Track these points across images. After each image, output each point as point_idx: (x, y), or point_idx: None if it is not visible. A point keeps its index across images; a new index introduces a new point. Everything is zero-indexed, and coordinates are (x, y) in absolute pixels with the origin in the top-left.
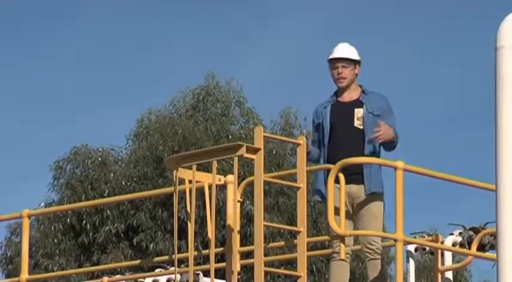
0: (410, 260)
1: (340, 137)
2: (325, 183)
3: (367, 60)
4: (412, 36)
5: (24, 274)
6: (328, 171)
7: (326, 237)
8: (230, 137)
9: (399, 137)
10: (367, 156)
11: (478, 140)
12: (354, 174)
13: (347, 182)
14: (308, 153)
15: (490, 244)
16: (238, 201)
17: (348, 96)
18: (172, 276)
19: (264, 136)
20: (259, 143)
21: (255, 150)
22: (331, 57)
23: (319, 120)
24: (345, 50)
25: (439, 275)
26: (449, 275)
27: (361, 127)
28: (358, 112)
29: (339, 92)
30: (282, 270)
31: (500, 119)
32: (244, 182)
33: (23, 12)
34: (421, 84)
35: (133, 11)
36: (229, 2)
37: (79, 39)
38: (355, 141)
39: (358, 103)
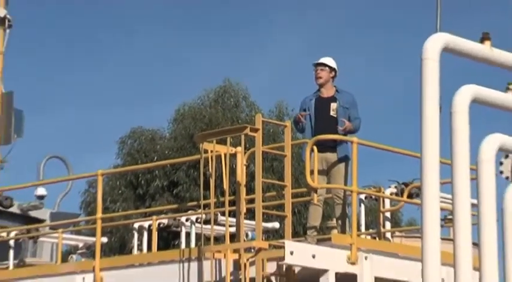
0: (362, 204)
1: (321, 122)
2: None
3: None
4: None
5: (99, 214)
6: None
7: (305, 189)
8: (239, 121)
9: (361, 121)
10: (339, 135)
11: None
12: (330, 147)
13: (324, 151)
14: (301, 123)
15: (416, 193)
16: (245, 164)
17: (326, 93)
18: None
19: (262, 121)
20: (258, 125)
21: (256, 130)
22: (314, 62)
23: (306, 106)
24: (323, 59)
25: (381, 215)
26: (387, 214)
27: (335, 116)
28: (333, 105)
29: (320, 90)
30: (274, 212)
31: (424, 109)
32: (249, 151)
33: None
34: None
35: (173, 32)
36: (239, 24)
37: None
38: (331, 126)
39: (333, 99)
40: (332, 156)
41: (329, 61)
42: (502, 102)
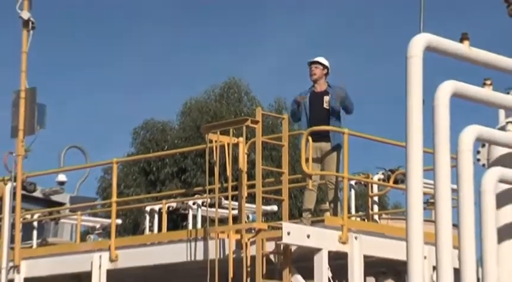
0: (352, 189)
1: (315, 114)
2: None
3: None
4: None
5: (114, 198)
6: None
7: (300, 176)
8: (242, 114)
9: (354, 108)
10: (332, 125)
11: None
12: (324, 137)
13: (319, 140)
14: (299, 108)
15: (401, 179)
16: (246, 153)
17: (320, 88)
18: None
19: (262, 114)
20: (258, 117)
21: (256, 122)
22: (308, 61)
23: (300, 99)
24: (317, 58)
25: (369, 199)
26: (375, 198)
27: (328, 108)
28: (326, 98)
29: (314, 85)
30: (272, 196)
31: (409, 103)
32: (250, 141)
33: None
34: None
35: (182, 32)
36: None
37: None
38: (324, 117)
39: (325, 93)
40: (326, 145)
41: (322, 60)
42: (480, 97)
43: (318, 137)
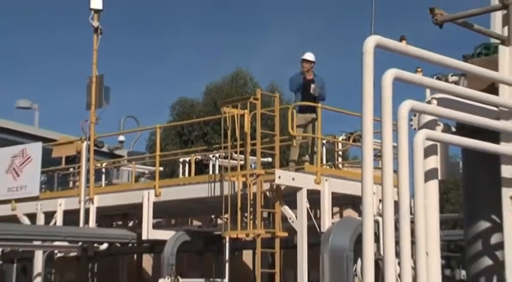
0: (324, 146)
1: (305, 95)
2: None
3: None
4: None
5: (157, 152)
6: (297, 108)
7: (287, 136)
8: (246, 93)
9: (326, 94)
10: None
11: None
12: (309, 110)
13: (305, 112)
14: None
15: (358, 139)
16: (250, 121)
17: (308, 76)
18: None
19: (261, 93)
20: (258, 96)
21: (257, 99)
22: (302, 57)
23: (296, 83)
24: (307, 55)
25: (336, 153)
26: (340, 153)
27: (313, 92)
28: (313, 86)
29: (304, 73)
30: (268, 151)
31: (364, 85)
32: (252, 113)
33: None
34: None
35: (209, 35)
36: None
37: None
38: (311, 99)
39: (312, 81)
40: (310, 116)
41: (310, 56)
42: (413, 80)
43: (306, 110)
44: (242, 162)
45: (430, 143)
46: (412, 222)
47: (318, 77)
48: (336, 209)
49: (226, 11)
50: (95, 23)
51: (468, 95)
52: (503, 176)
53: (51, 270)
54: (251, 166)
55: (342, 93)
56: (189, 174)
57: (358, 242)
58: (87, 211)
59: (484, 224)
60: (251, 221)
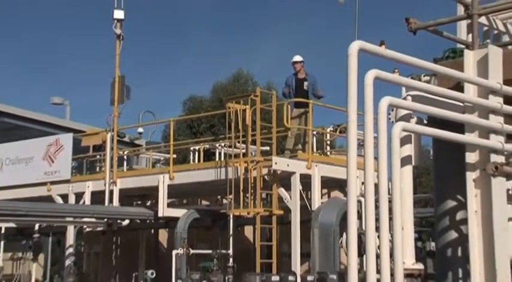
0: (314, 137)
1: (298, 93)
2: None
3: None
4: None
5: (171, 142)
6: (292, 103)
7: (283, 128)
8: (247, 91)
9: (323, 90)
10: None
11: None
12: (304, 106)
13: (301, 107)
14: (288, 94)
15: (344, 130)
16: (250, 115)
17: (300, 75)
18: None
19: (260, 91)
20: (258, 93)
21: (256, 96)
22: (291, 61)
23: (289, 83)
24: (295, 57)
25: (325, 142)
26: (328, 142)
27: (307, 89)
28: (305, 83)
29: (297, 74)
30: (266, 141)
31: (349, 84)
32: (252, 108)
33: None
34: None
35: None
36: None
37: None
38: (304, 95)
39: (304, 79)
40: (302, 110)
41: (298, 58)
42: (391, 79)
43: (300, 105)
44: (244, 151)
45: (406, 133)
46: (390, 201)
47: (310, 75)
48: (325, 191)
49: (231, 20)
50: (118, 31)
51: (438, 92)
52: (467, 162)
53: (81, 243)
54: (252, 154)
55: (332, 90)
56: (199, 160)
57: (344, 218)
58: (111, 192)
59: (451, 203)
60: (252, 201)
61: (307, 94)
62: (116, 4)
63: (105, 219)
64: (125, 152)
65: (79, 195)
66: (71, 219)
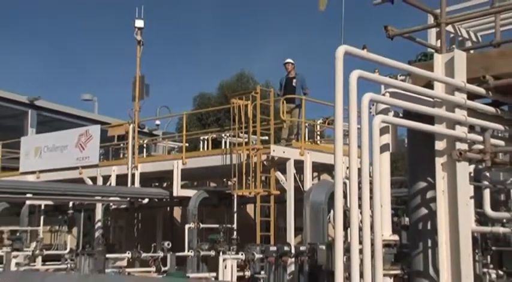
0: (306, 128)
1: (287, 89)
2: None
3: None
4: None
5: (184, 132)
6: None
7: (279, 121)
8: (249, 89)
9: (309, 88)
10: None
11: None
12: (292, 102)
13: (290, 102)
14: (279, 93)
15: (331, 122)
16: (251, 110)
17: (291, 75)
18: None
19: (260, 89)
20: (258, 91)
21: (257, 93)
22: (283, 62)
23: (281, 82)
24: (287, 60)
25: (315, 133)
26: (319, 132)
27: (295, 86)
28: (294, 81)
29: (287, 73)
30: (265, 131)
31: (336, 83)
32: (253, 103)
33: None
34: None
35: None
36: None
37: None
38: (293, 91)
39: (293, 78)
40: (292, 105)
41: (289, 60)
42: (372, 78)
43: (291, 101)
44: (246, 140)
45: (384, 125)
46: (371, 183)
47: (299, 75)
48: (315, 174)
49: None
50: (138, 38)
51: (412, 89)
52: (436, 149)
53: (108, 218)
54: (252, 142)
55: (322, 87)
56: (207, 148)
57: (331, 198)
58: (133, 175)
59: (422, 184)
60: (253, 183)
61: (295, 90)
62: (136, 14)
63: (128, 198)
64: (145, 141)
65: (106, 178)
66: (99, 198)
